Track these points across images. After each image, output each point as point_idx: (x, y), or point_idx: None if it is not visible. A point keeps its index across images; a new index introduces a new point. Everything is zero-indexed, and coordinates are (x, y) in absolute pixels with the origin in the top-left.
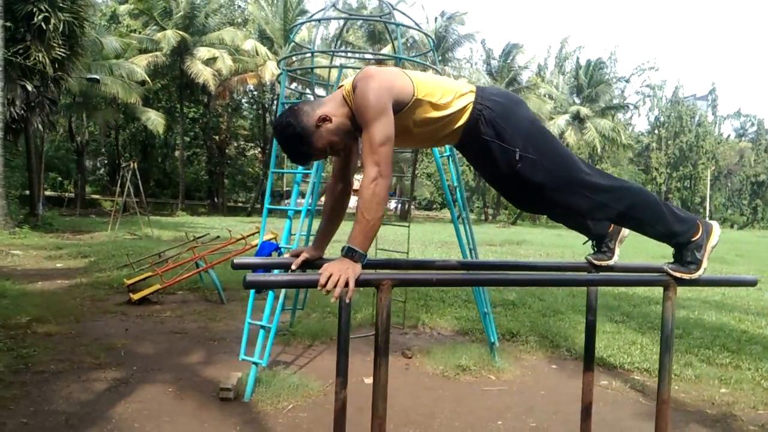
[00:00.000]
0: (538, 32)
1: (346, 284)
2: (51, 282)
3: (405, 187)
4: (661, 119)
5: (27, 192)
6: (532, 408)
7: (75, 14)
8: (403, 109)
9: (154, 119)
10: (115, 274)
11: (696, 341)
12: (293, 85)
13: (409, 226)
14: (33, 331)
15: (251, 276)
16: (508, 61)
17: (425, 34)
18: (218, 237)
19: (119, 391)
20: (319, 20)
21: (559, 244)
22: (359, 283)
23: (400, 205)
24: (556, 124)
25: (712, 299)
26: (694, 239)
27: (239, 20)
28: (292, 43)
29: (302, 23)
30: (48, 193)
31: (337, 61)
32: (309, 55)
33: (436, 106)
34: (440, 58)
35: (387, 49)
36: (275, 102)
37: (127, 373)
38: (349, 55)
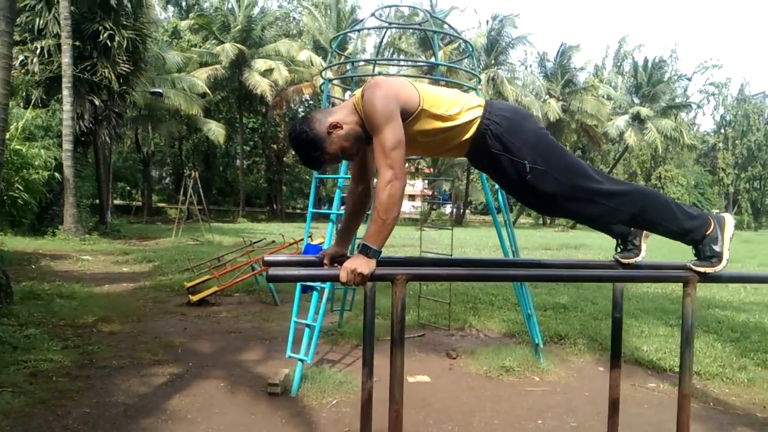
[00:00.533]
0: (595, 32)
1: (362, 278)
2: (117, 285)
3: (460, 192)
4: (727, 118)
5: (97, 201)
6: (574, 409)
7: (138, 31)
8: (409, 118)
9: (215, 130)
10: (177, 278)
11: (753, 345)
12: (347, 94)
13: (452, 229)
14: (98, 330)
15: (273, 270)
16: (564, 62)
17: (464, 41)
18: (273, 242)
19: (175, 385)
20: (359, 30)
21: None
22: (376, 278)
23: (455, 210)
24: (615, 125)
25: None
26: (707, 234)
27: (294, 32)
28: (341, 54)
29: (343, 33)
30: (117, 201)
31: (377, 70)
32: (358, 64)
33: (441, 118)
34: (493, 61)
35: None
36: None
37: (183, 369)
38: (401, 63)
